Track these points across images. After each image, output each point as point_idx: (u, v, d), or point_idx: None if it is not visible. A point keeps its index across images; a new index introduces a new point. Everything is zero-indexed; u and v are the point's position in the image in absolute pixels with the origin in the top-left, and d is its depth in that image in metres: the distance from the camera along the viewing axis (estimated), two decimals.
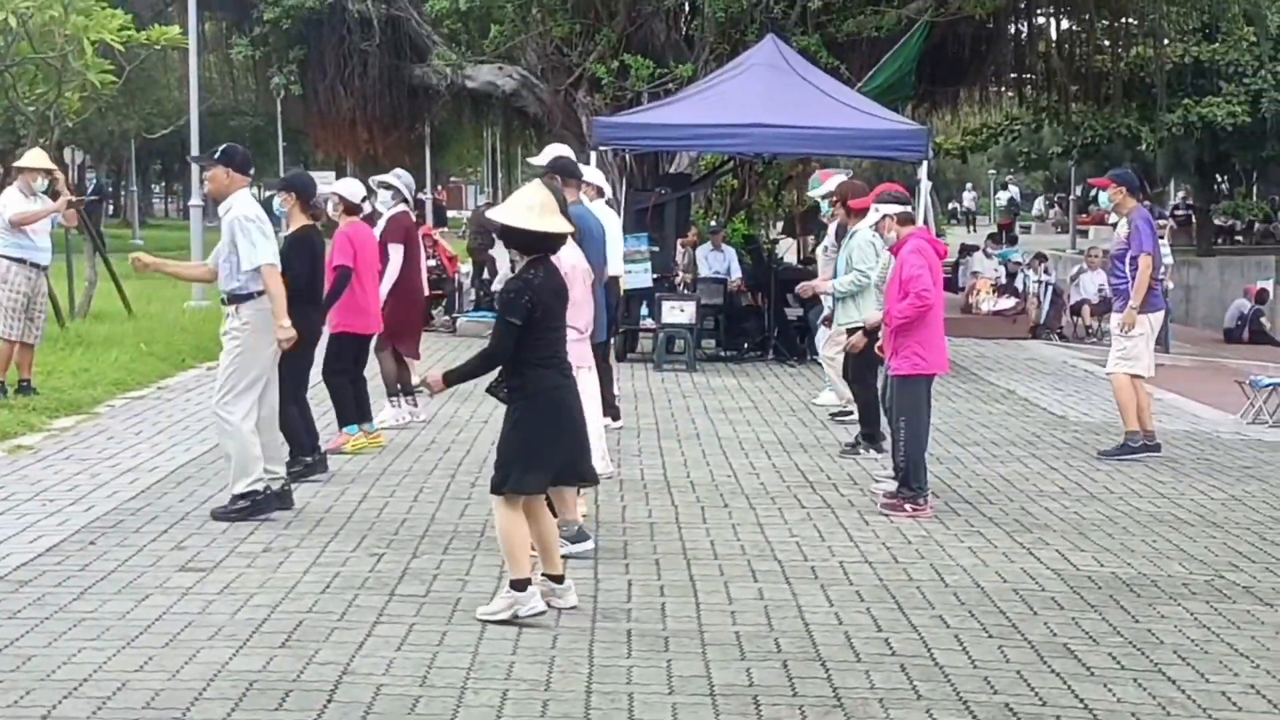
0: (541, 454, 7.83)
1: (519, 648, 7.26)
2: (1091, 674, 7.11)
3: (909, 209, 10.97)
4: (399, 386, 14.05)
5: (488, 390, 8.05)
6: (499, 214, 8.04)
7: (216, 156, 10.23)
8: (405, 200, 14.12)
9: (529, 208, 7.91)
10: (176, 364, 18.13)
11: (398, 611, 7.84)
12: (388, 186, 14.07)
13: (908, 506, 10.45)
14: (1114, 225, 13.76)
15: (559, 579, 7.97)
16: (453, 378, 8.08)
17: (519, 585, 7.73)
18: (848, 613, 8.04)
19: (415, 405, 14.22)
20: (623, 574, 8.77)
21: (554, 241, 7.99)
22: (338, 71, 29.44)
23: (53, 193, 14.88)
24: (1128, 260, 13.02)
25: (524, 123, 31.72)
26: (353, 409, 12.66)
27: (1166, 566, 9.31)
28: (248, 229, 9.99)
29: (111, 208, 68.05)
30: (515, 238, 7.95)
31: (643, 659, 7.14)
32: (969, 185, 78.11)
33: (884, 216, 10.77)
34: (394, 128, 31.29)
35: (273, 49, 29.25)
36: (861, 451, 12.88)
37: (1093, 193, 67.31)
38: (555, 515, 8.57)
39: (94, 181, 21.77)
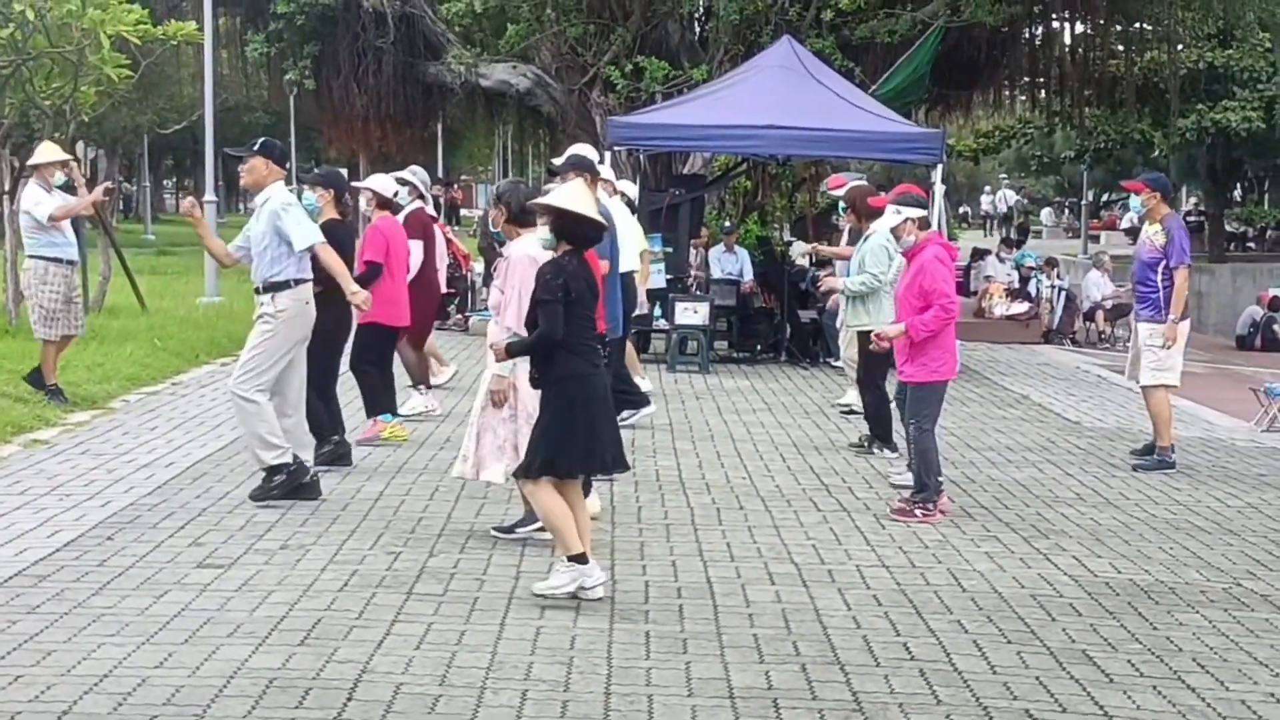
0: (567, 440, 7.99)
1: (538, 648, 7.25)
2: (1111, 681, 7.10)
3: (928, 214, 10.92)
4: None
5: (530, 380, 8.27)
6: (551, 199, 8.20)
7: (255, 148, 10.43)
8: (422, 196, 14.23)
9: (577, 197, 8.17)
10: (190, 359, 18.16)
11: (416, 610, 7.84)
12: (404, 183, 14.16)
13: (918, 512, 10.43)
14: (1126, 231, 13.69)
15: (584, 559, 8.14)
16: (514, 349, 8.33)
17: (578, 559, 7.94)
18: (866, 617, 8.03)
19: (433, 401, 14.41)
20: (639, 575, 8.77)
21: (595, 231, 8.21)
22: (351, 68, 29.51)
23: (68, 186, 14.83)
24: (1160, 269, 12.79)
25: (537, 122, 31.77)
26: (382, 398, 12.75)
27: (1184, 574, 9.30)
28: (293, 212, 10.26)
29: (122, 202, 68.13)
30: (565, 224, 8.08)
31: (661, 660, 7.14)
32: (987, 188, 77.82)
33: (905, 220, 10.66)
34: (407, 125, 31.37)
35: (287, 45, 29.31)
36: (876, 451, 12.91)
37: (1106, 198, 66.75)
38: None
39: (106, 176, 21.77)
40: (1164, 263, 12.80)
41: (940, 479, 10.68)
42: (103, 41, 17.94)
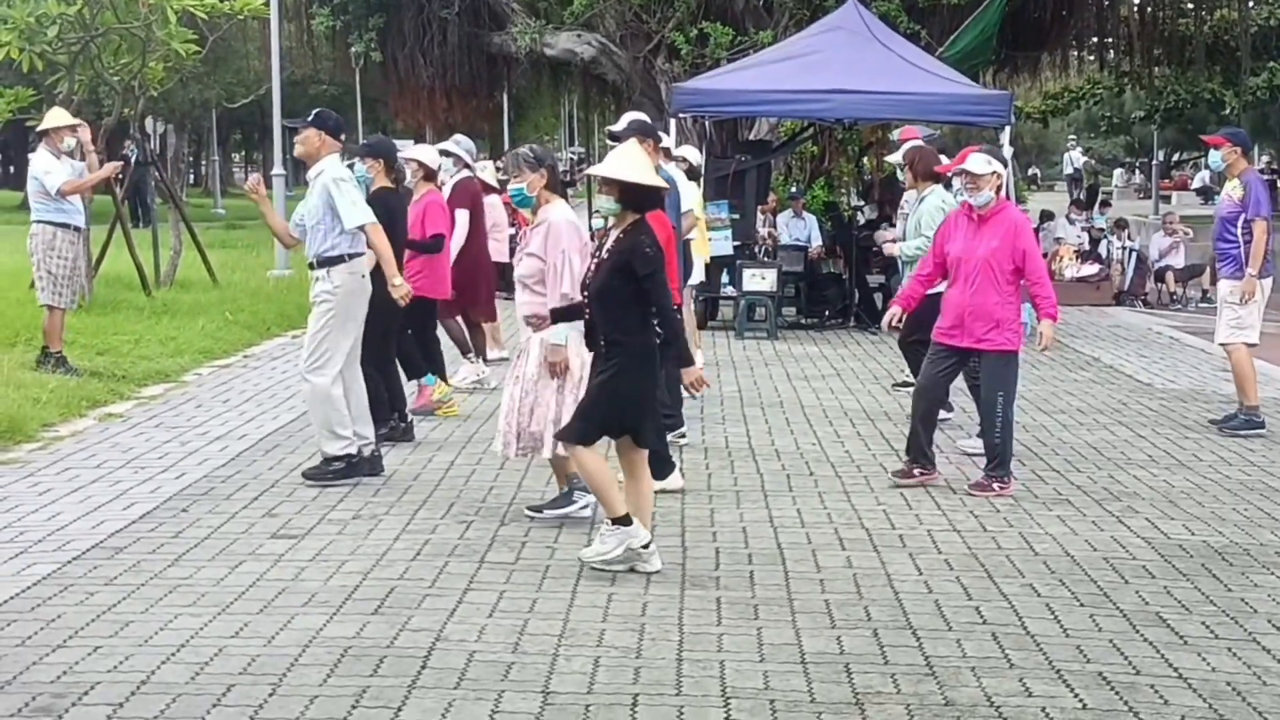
0: (654, 408, 7.96)
1: (609, 615, 7.28)
2: (1185, 643, 7.06)
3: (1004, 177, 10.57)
4: (470, 348, 14.28)
5: (587, 344, 8.22)
6: (615, 170, 8.05)
7: (310, 120, 10.32)
8: (468, 166, 14.19)
9: (641, 165, 8.12)
10: (261, 332, 18.29)
11: (488, 579, 7.89)
12: (447, 154, 14.13)
13: (995, 485, 10.21)
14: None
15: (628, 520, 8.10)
16: (686, 357, 8.33)
17: (622, 520, 7.92)
18: (937, 581, 8.01)
19: (485, 368, 14.38)
20: (710, 541, 8.78)
21: (658, 195, 8.20)
22: (417, 40, 29.58)
23: (80, 152, 14.68)
24: (1240, 223, 12.62)
25: (602, 90, 31.74)
26: (420, 362, 12.72)
27: (1259, 535, 9.22)
28: (344, 189, 10.10)
29: (191, 176, 68.54)
30: (632, 194, 8.01)
31: (733, 626, 7.15)
32: (1071, 140, 76.77)
33: (994, 172, 10.25)
34: (473, 96, 31.44)
35: (353, 18, 29.39)
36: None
37: (1177, 158, 65.90)
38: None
39: (133, 152, 21.53)
40: (1243, 217, 12.61)
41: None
42: (169, 17, 18.08)
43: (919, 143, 13.79)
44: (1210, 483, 10.76)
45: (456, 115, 31.54)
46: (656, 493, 8.73)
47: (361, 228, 10.13)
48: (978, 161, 10.30)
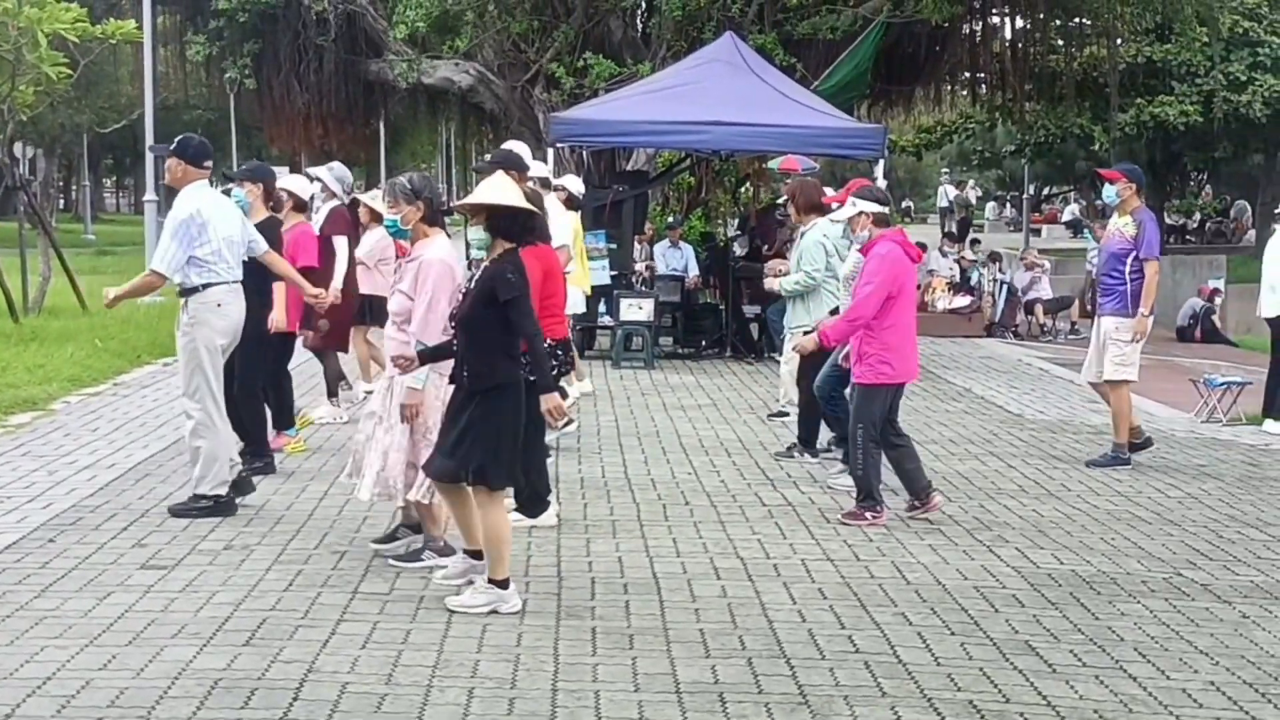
0: (512, 447, 7.88)
1: (484, 645, 7.25)
2: (1054, 671, 7.15)
3: (886, 211, 10.64)
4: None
5: (451, 378, 8.07)
6: (488, 197, 7.95)
7: (172, 148, 10.21)
8: (335, 195, 14.06)
9: (509, 190, 8.02)
10: (132, 360, 18.05)
11: (361, 609, 7.83)
12: (315, 180, 13.99)
13: (868, 515, 10.26)
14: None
15: (480, 555, 8.07)
16: (545, 381, 8.04)
17: (503, 583, 7.82)
18: (811, 610, 8.07)
19: (345, 401, 14.16)
20: (586, 572, 8.78)
21: (530, 222, 8.11)
22: (292, 66, 29.41)
23: None
24: (1129, 261, 12.69)
25: (480, 119, 31.72)
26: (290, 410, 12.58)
27: (1125, 564, 9.38)
28: (168, 227, 9.97)
29: (61, 201, 67.53)
30: (499, 220, 7.93)
31: (608, 656, 7.15)
32: (944, 175, 77.59)
33: (860, 213, 10.45)
34: (349, 123, 31.28)
35: (228, 43, 29.16)
36: (796, 455, 12.65)
37: (1047, 191, 66.86)
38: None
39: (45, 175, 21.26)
40: (1133, 254, 12.72)
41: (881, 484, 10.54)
42: (40, 40, 17.85)
43: (800, 175, 13.89)
44: (1078, 512, 10.93)
45: (332, 142, 31.35)
46: (531, 529, 8.68)
47: (151, 271, 9.99)
48: (845, 209, 10.62)
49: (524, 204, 8.08)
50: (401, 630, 7.48)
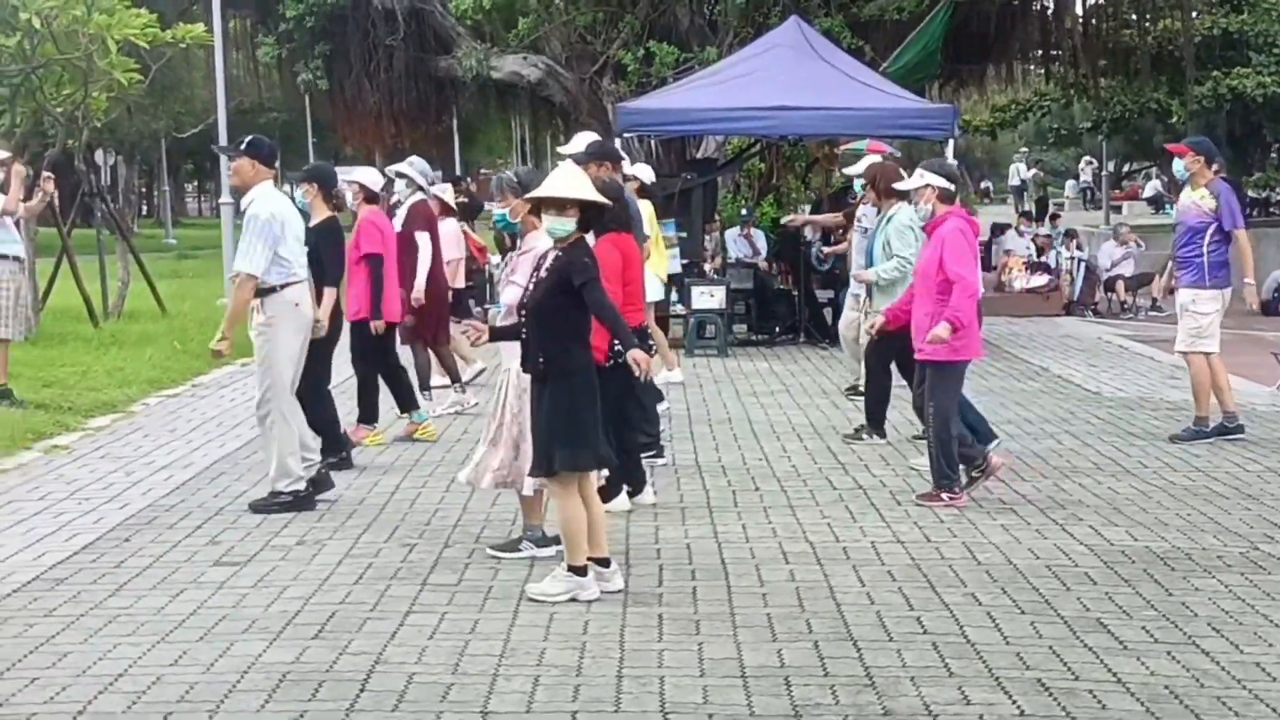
0: (588, 431, 7.90)
1: (550, 634, 7.28)
2: (1125, 648, 7.09)
3: (953, 187, 10.44)
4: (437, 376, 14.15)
5: (523, 366, 8.08)
6: (572, 190, 7.96)
7: (243, 148, 10.24)
8: (421, 188, 14.06)
9: (589, 184, 8.13)
10: (210, 361, 18.14)
11: (430, 601, 7.87)
12: (402, 175, 14.05)
13: (944, 496, 10.19)
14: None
15: (605, 561, 8.02)
16: (628, 341, 8.02)
17: (580, 570, 7.85)
18: (879, 592, 8.03)
19: (463, 392, 14.27)
20: (654, 559, 8.79)
21: (602, 212, 8.16)
22: (363, 65, 29.50)
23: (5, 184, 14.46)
24: (1209, 234, 12.56)
25: (550, 112, 31.70)
26: (375, 406, 12.69)
27: (1201, 539, 9.27)
28: (251, 227, 9.95)
29: (144, 206, 68.23)
30: (592, 215, 8.00)
31: (674, 642, 7.15)
32: (1019, 157, 76.84)
33: (926, 185, 10.30)
34: (421, 120, 31.37)
35: (298, 45, 29.32)
36: (865, 437, 12.60)
37: (1128, 168, 65.92)
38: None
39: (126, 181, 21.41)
40: (1212, 227, 12.59)
41: (972, 450, 10.44)
42: (110, 46, 18.02)
43: (878, 158, 13.79)
44: (1154, 489, 10.82)
45: (404, 140, 31.45)
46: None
47: (237, 274, 10.00)
48: (911, 179, 10.48)
49: (596, 196, 8.11)
50: (469, 620, 7.51)
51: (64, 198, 19.17)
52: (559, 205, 7.95)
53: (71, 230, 20.96)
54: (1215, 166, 12.91)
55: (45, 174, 15.71)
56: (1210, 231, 12.62)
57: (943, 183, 10.39)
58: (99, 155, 53.80)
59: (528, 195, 8.45)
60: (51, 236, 21.71)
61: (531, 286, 8.05)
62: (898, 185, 11.41)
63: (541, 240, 8.44)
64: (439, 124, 34.16)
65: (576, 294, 7.84)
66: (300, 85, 30.79)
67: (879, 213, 12.78)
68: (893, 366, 12.17)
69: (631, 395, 9.95)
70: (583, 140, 12.48)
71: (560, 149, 12.11)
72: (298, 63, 29.68)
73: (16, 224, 14.66)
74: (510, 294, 8.68)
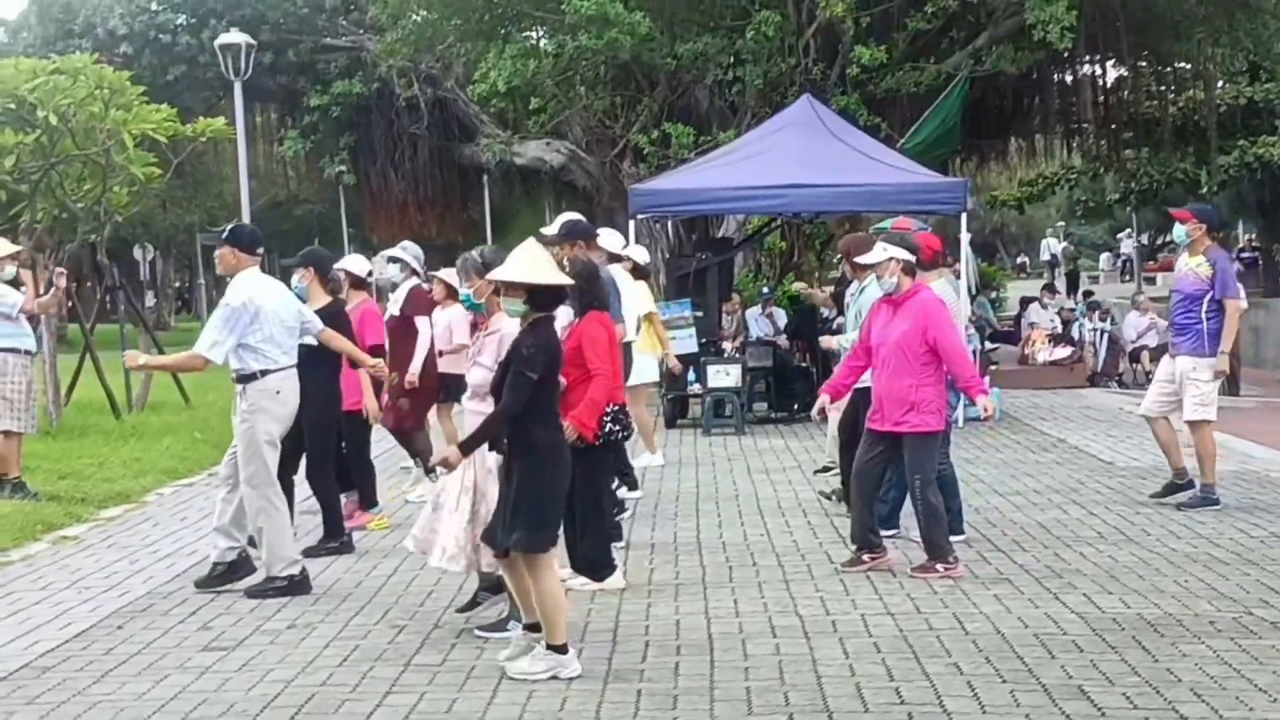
0: (555, 509, 7.93)
1: (527, 711, 7.27)
2: (1102, 715, 7.03)
3: (914, 260, 10.37)
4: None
5: (491, 446, 8.13)
6: (517, 274, 7.98)
7: (224, 236, 10.38)
8: (415, 272, 14.13)
9: (544, 263, 8.10)
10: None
11: (411, 681, 7.88)
12: (395, 260, 14.12)
13: (939, 567, 10.15)
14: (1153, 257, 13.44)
15: (535, 627, 8.06)
16: (469, 445, 8.13)
17: (560, 648, 7.85)
18: (862, 664, 8.00)
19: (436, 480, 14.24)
20: (642, 635, 8.77)
21: (561, 293, 8.18)
22: (388, 155, 29.93)
23: (17, 281, 14.54)
24: (1205, 301, 12.60)
25: (574, 195, 31.98)
26: (374, 490, 12.77)
27: (1194, 605, 9.21)
28: (219, 312, 10.09)
29: (180, 302, 68.62)
30: (539, 295, 7.99)
31: (650, 717, 7.14)
32: (1053, 232, 76.91)
33: (890, 258, 10.30)
34: (446, 207, 31.75)
35: (323, 137, 29.70)
36: (835, 500, 12.74)
37: (1161, 239, 65.78)
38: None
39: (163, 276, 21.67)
40: (1209, 295, 12.62)
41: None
42: (127, 141, 18.25)
43: (860, 234, 13.87)
44: (1155, 556, 10.76)
45: (431, 228, 31.79)
46: (595, 594, 8.68)
47: (195, 354, 10.03)
48: (873, 252, 10.43)
49: (558, 278, 8.15)
50: (447, 699, 7.51)
51: (91, 292, 19.36)
52: (508, 286, 8.03)
53: (95, 325, 21.15)
54: (1217, 233, 12.95)
55: (59, 269, 15.85)
56: (1207, 300, 12.62)
57: (905, 255, 10.34)
58: (136, 250, 54.45)
59: (489, 276, 8.50)
60: (76, 332, 21.90)
61: (499, 369, 8.10)
62: (858, 259, 11.42)
63: (506, 321, 8.52)
64: (464, 211, 34.46)
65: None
66: (326, 177, 31.19)
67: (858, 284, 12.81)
68: None
69: (610, 478, 9.98)
70: (562, 220, 12.54)
71: (543, 230, 12.18)
72: (323, 157, 30.06)
73: (31, 318, 14.81)
74: (475, 375, 8.73)
